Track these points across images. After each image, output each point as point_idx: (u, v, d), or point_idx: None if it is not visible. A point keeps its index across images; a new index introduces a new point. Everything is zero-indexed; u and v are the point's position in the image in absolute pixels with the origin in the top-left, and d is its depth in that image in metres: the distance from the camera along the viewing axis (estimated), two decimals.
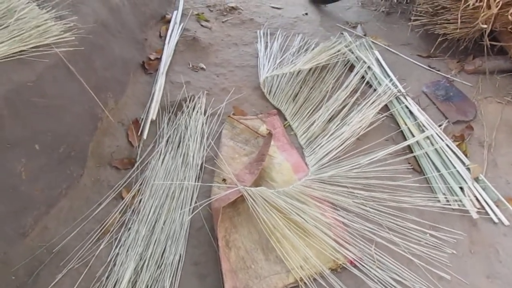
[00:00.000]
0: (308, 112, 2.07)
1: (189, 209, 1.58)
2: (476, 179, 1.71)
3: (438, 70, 2.30)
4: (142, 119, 1.96)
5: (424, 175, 1.76)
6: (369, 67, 2.27)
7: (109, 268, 1.39)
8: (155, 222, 1.53)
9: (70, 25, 1.68)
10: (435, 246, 1.49)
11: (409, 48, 2.56)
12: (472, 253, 1.50)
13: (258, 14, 2.99)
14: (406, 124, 1.94)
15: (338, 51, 2.36)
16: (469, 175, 1.70)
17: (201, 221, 1.56)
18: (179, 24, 2.64)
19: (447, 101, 2.08)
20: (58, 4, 1.73)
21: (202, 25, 2.75)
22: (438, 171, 1.74)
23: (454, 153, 1.80)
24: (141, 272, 1.37)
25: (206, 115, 2.02)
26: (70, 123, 1.63)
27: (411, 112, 2.00)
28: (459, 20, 2.07)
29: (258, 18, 2.93)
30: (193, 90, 2.18)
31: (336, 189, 1.66)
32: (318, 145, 1.89)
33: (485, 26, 1.97)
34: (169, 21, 2.67)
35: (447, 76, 2.24)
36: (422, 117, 1.95)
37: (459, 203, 1.62)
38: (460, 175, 1.71)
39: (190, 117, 1.97)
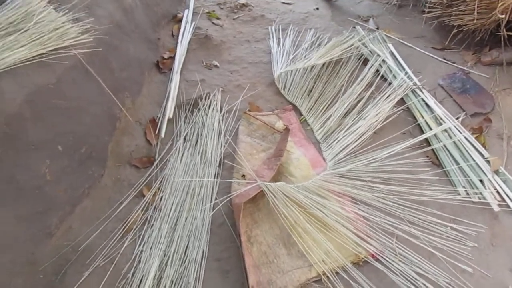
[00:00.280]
0: (324, 107, 2.07)
1: (210, 205, 1.59)
2: (496, 172, 1.69)
3: (454, 62, 2.28)
4: (159, 117, 1.98)
5: (443, 168, 1.75)
6: (383, 60, 2.26)
7: (134, 265, 1.42)
8: (177, 219, 1.55)
9: (86, 27, 1.70)
10: (456, 239, 1.49)
11: (423, 40, 2.53)
12: (493, 246, 1.49)
13: (269, 10, 2.99)
14: (423, 117, 1.93)
15: (351, 45, 2.35)
16: (488, 168, 1.69)
17: (222, 217, 1.58)
18: (191, 23, 2.65)
19: (464, 93, 2.06)
20: (74, 6, 1.74)
21: (213, 23, 2.76)
22: (457, 164, 1.73)
23: (473, 145, 1.79)
24: (165, 268, 1.39)
25: (222, 112, 2.04)
26: (90, 124, 1.65)
27: (427, 105, 1.99)
28: (475, 11, 2.05)
29: (269, 14, 2.93)
30: (208, 87, 2.19)
31: (355, 183, 1.66)
32: (335, 140, 1.89)
33: (502, 16, 1.95)
34: (180, 20, 2.68)
35: (463, 68, 2.22)
36: (439, 110, 1.94)
37: (480, 196, 1.62)
38: (480, 167, 1.70)
39: (207, 115, 1.98)
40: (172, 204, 1.60)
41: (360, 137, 1.85)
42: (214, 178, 1.71)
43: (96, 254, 1.44)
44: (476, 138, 1.83)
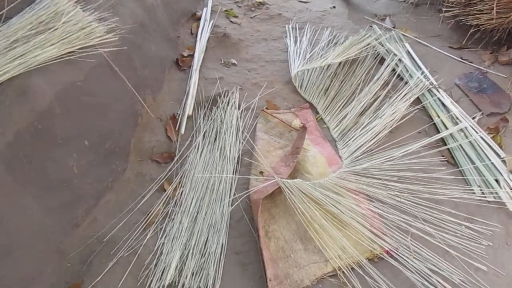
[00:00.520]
0: (340, 106, 2.10)
1: (229, 201, 1.64)
2: None
3: (471, 62, 2.28)
4: (179, 114, 2.03)
5: (458, 167, 1.77)
6: (399, 59, 2.28)
7: (156, 257, 1.48)
8: (197, 213, 1.61)
9: (112, 26, 1.76)
10: (471, 238, 1.51)
11: (440, 39, 2.54)
12: (508, 245, 1.51)
13: (286, 8, 3.02)
14: (439, 117, 1.95)
15: (368, 44, 2.37)
16: (504, 168, 1.70)
17: (241, 212, 1.62)
18: (209, 21, 2.69)
19: (481, 93, 2.07)
20: (99, 6, 1.80)
21: (231, 21, 2.80)
22: (473, 163, 1.75)
23: (489, 145, 1.80)
24: (186, 260, 1.45)
25: (240, 109, 2.08)
26: (114, 119, 1.72)
27: (443, 105, 2.00)
28: (494, 10, 2.05)
29: (286, 12, 2.96)
30: (226, 85, 2.24)
31: (370, 181, 1.69)
32: (351, 138, 1.92)
33: None
34: (199, 18, 2.73)
35: (480, 67, 2.23)
36: (455, 109, 1.95)
37: (495, 195, 1.63)
38: (496, 167, 1.71)
39: (225, 112, 2.03)
40: (192, 199, 1.65)
41: (376, 135, 1.88)
42: (233, 174, 1.76)
43: (120, 245, 1.51)
44: (492, 138, 1.84)
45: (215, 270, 1.42)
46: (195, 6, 2.86)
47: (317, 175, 1.74)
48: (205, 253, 1.47)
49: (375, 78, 2.18)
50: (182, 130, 1.96)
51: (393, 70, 2.25)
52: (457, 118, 1.91)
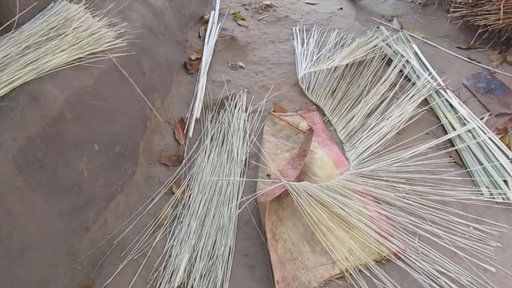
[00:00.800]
0: (347, 107, 2.10)
1: (237, 203, 1.66)
2: None
3: (479, 62, 2.27)
4: (187, 117, 2.06)
5: (466, 168, 1.77)
6: (407, 60, 2.27)
7: (166, 259, 1.50)
8: (205, 216, 1.62)
9: (121, 31, 1.79)
10: (479, 239, 1.51)
11: (448, 40, 2.53)
12: None
13: (293, 10, 3.03)
14: (446, 118, 1.94)
15: (375, 46, 2.37)
16: None
17: (248, 214, 1.64)
18: (217, 24, 2.72)
19: (489, 93, 2.06)
20: (109, 12, 1.83)
21: (239, 24, 2.82)
22: (481, 164, 1.74)
23: (497, 146, 1.79)
24: (195, 262, 1.46)
25: (248, 112, 2.10)
26: (123, 123, 1.74)
27: (451, 106, 2.00)
28: (501, 10, 2.04)
29: (293, 14, 2.97)
30: (233, 88, 2.26)
31: (378, 183, 1.70)
32: (358, 140, 1.92)
33: None
34: (207, 22, 2.75)
35: (488, 68, 2.22)
36: (463, 110, 1.95)
37: (503, 196, 1.63)
38: (504, 168, 1.71)
39: (232, 115, 2.05)
40: (200, 202, 1.67)
41: (383, 137, 1.88)
42: (240, 177, 1.77)
43: (130, 247, 1.53)
44: (500, 138, 1.83)
45: (223, 272, 1.43)
46: (203, 10, 2.88)
47: (324, 178, 1.75)
48: (213, 256, 1.49)
49: (383, 79, 2.18)
50: (190, 133, 1.98)
51: (401, 71, 2.24)
52: (465, 119, 1.91)
